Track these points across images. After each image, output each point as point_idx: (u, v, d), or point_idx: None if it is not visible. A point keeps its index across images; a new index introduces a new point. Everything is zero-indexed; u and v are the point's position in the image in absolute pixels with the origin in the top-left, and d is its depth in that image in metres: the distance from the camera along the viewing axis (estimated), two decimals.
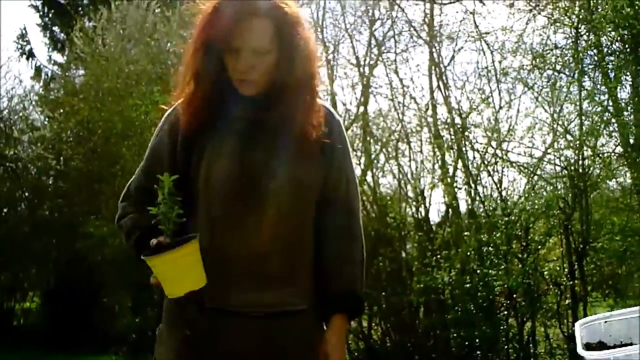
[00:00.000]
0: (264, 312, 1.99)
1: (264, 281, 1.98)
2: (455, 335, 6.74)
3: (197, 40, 2.02)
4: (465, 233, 6.94)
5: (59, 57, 13.89)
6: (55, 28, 13.72)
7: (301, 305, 2.05)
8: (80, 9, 12.64)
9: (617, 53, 7.79)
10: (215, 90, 2.02)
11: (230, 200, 1.95)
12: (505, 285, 6.56)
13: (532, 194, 6.92)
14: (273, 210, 1.98)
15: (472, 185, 7.12)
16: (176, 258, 1.80)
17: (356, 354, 7.41)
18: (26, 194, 10.66)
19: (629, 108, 7.42)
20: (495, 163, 7.15)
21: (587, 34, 7.74)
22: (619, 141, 7.27)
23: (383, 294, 7.07)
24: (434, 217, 7.60)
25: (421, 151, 7.51)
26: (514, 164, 7.16)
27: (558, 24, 7.74)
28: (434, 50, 7.79)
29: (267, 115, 2.02)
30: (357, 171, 7.56)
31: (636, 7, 7.27)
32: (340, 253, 2.11)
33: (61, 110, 10.22)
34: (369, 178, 7.57)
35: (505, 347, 6.63)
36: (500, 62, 7.55)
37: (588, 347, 3.21)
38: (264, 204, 1.97)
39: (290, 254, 2.02)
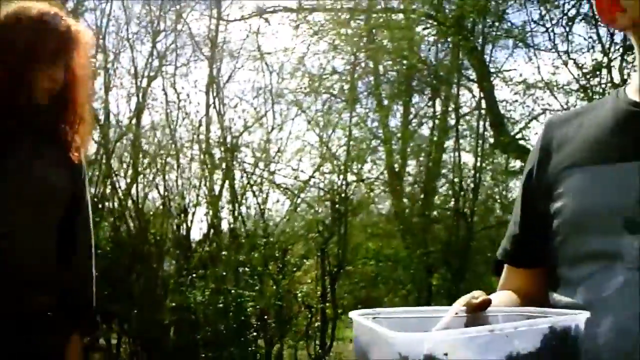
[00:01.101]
0: (18, 315, 1.94)
1: (20, 284, 1.93)
2: (203, 355, 6.61)
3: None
4: (224, 252, 6.86)
5: None
6: None
7: (51, 310, 2.02)
8: None
9: (392, 82, 8.02)
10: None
11: None
12: (258, 307, 6.54)
13: (294, 217, 6.96)
14: (29, 213, 1.96)
15: (236, 205, 7.06)
16: None
17: None
18: None
19: (397, 137, 7.65)
20: (261, 184, 7.13)
21: (364, 61, 7.94)
22: (383, 168, 7.47)
23: (135, 312, 6.84)
24: (196, 235, 7.44)
25: (190, 168, 7.36)
26: (279, 186, 7.18)
27: (338, 50, 7.88)
28: (214, 66, 7.72)
29: (39, 124, 2.03)
30: (122, 184, 7.32)
31: (410, 40, 7.53)
32: (86, 269, 2.13)
33: None
34: (133, 191, 7.33)
35: None
36: (278, 83, 7.60)
37: None
38: (21, 207, 1.95)
39: (41, 258, 1.99)
